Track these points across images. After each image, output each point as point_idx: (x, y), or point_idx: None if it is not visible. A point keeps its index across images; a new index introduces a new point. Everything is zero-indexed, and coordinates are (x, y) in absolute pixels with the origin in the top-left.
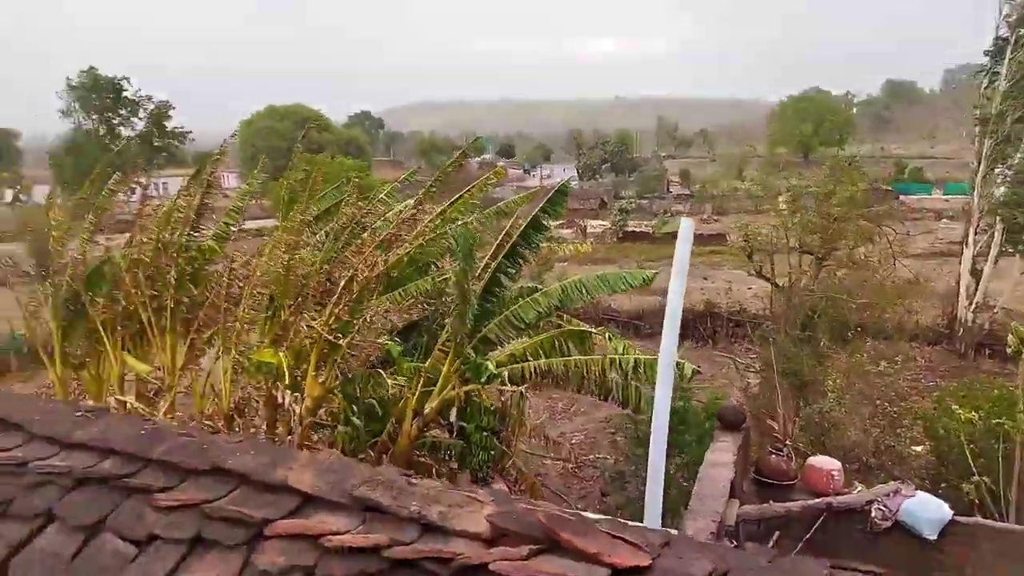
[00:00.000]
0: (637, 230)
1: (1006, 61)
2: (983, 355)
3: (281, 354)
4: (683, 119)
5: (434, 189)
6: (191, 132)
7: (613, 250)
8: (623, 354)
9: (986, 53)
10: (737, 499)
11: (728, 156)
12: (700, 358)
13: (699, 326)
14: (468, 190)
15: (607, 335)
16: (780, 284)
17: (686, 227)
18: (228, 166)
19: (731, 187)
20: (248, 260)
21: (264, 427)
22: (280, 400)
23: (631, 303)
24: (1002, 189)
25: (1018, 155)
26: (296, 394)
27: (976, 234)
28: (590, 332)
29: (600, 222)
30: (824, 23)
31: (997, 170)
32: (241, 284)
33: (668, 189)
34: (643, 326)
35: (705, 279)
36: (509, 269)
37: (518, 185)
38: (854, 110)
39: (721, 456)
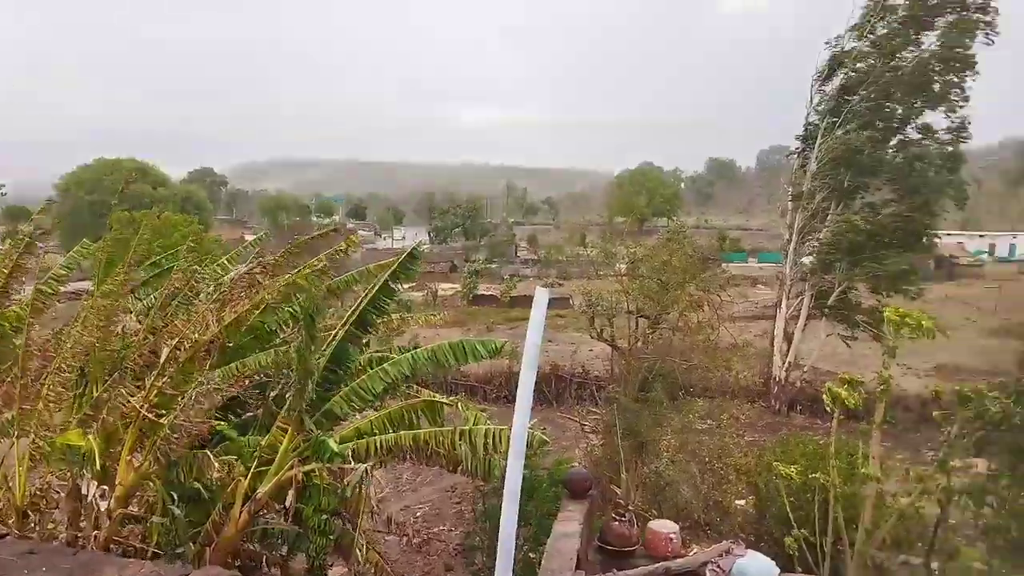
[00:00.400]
0: (487, 293)
1: (816, 145)
2: (796, 411)
3: (90, 436)
4: (533, 186)
5: (278, 255)
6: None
7: (463, 313)
8: (474, 424)
9: (798, 137)
10: (583, 570)
11: (571, 223)
12: (545, 420)
13: (544, 388)
14: (318, 256)
15: (459, 404)
16: (620, 346)
17: (541, 297)
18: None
19: (574, 253)
20: (61, 329)
21: (66, 523)
22: (85, 491)
23: (480, 367)
24: (810, 259)
25: (825, 228)
26: (103, 486)
27: (788, 299)
28: (442, 403)
29: (451, 285)
30: (670, 104)
31: (807, 242)
32: (45, 356)
33: (516, 254)
34: (492, 390)
35: (550, 341)
36: (357, 337)
37: (368, 247)
38: (682, 185)
39: (568, 526)
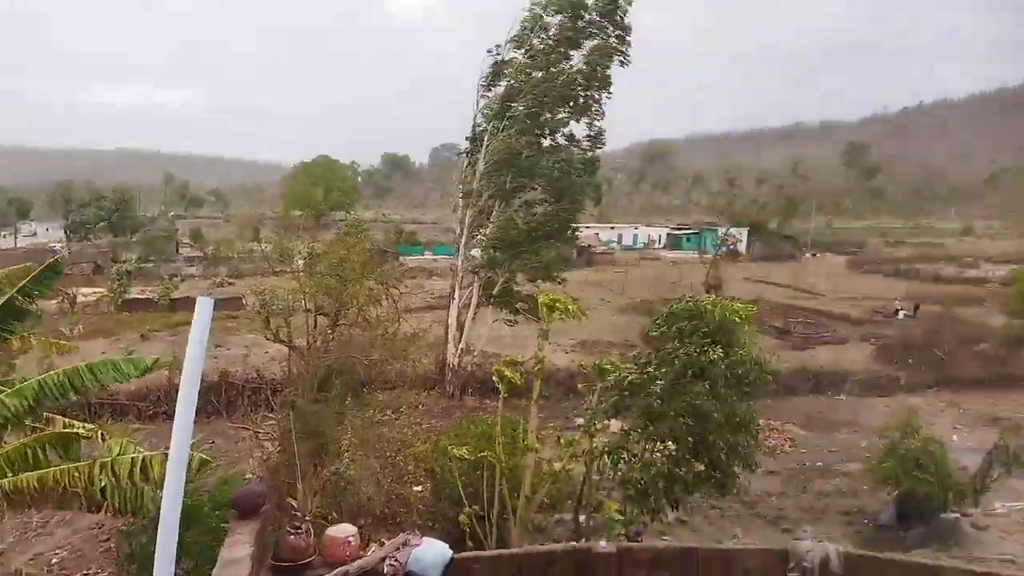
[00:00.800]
0: (141, 297)
1: (483, 147)
2: (468, 394)
3: None
4: (201, 177)
5: None
6: None
7: (110, 321)
8: (119, 453)
9: (467, 138)
10: None
11: (243, 217)
12: (214, 433)
13: (213, 398)
14: None
15: (100, 433)
16: (298, 347)
17: (204, 308)
18: None
19: (247, 249)
20: None
21: None
22: None
23: (133, 382)
24: (479, 252)
25: (491, 224)
26: None
27: (460, 290)
28: (77, 434)
29: (95, 289)
30: (349, 97)
31: (476, 237)
32: None
33: (178, 251)
34: (148, 407)
35: (219, 347)
36: None
37: None
38: (359, 178)
39: (236, 551)
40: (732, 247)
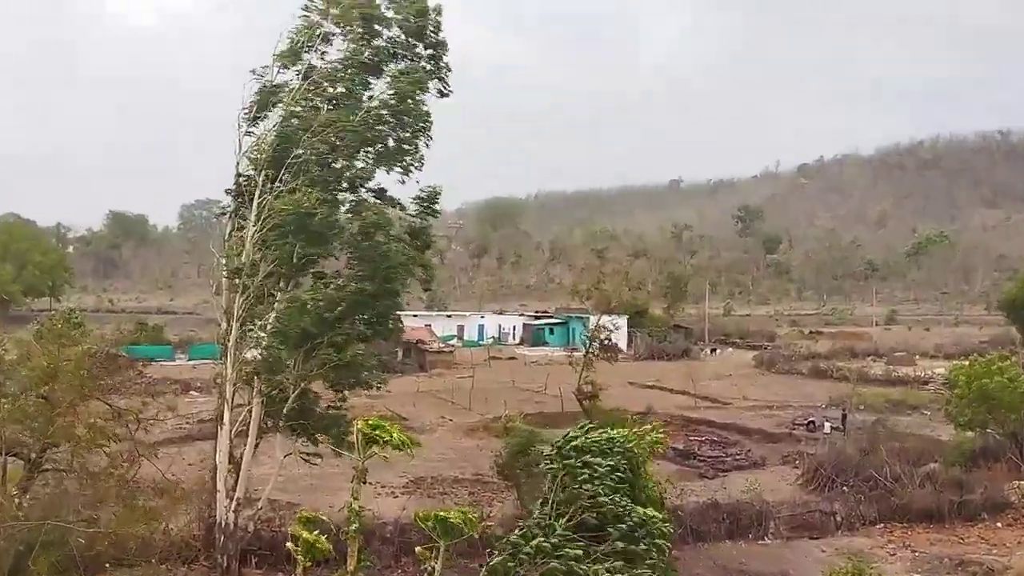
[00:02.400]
0: None
1: (254, 205)
2: (251, 564)
3: None
4: None
5: None
6: None
7: None
8: None
9: (228, 192)
10: None
11: None
12: None
13: None
14: None
15: None
16: None
17: None
18: None
19: None
20: None
21: None
22: None
23: None
24: (256, 353)
25: (272, 314)
26: None
27: (231, 410)
28: None
29: None
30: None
31: (251, 332)
32: None
33: None
34: None
35: None
36: None
37: None
38: (71, 248)
39: None
40: (609, 341)
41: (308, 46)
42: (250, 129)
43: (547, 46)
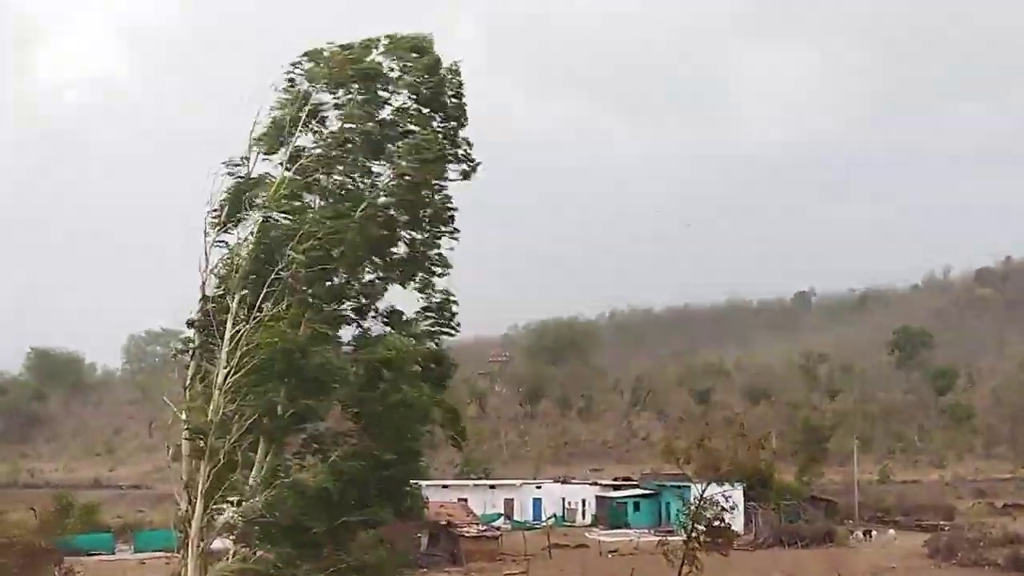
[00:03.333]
0: None
1: (226, 337)
2: None
3: None
4: None
5: None
6: None
7: None
8: None
9: (191, 324)
10: None
11: None
12: None
13: None
14: None
15: None
16: None
17: None
18: None
19: None
20: None
21: None
22: None
23: None
24: (230, 545)
25: (249, 485)
26: None
27: None
28: None
29: None
30: None
31: (223, 515)
32: None
33: None
34: None
35: None
36: None
37: None
38: None
39: None
40: (719, 522)
41: (293, 123)
42: (220, 239)
43: (619, 113)
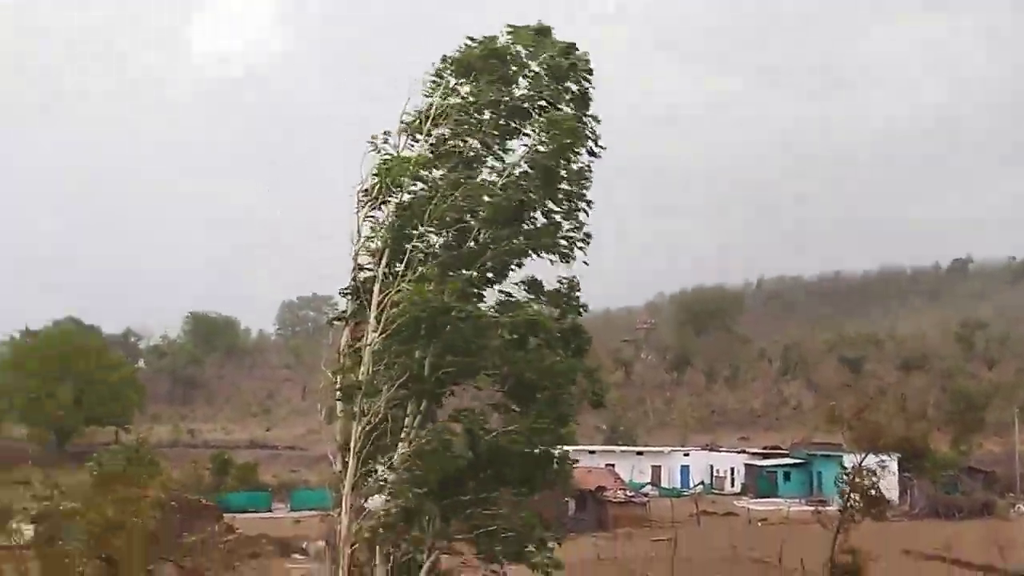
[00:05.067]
0: None
1: (374, 305)
2: None
3: None
4: None
5: None
6: None
7: None
8: None
9: (344, 292)
10: None
11: None
12: None
13: None
14: None
15: None
16: None
17: None
18: None
19: None
20: None
21: None
22: None
23: None
24: (382, 502)
25: (400, 449)
26: None
27: None
28: None
29: None
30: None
31: (374, 473)
32: None
33: None
34: None
35: None
36: None
37: None
38: (141, 362)
39: None
40: (875, 491)
41: (438, 110)
42: (370, 213)
43: (762, 76)
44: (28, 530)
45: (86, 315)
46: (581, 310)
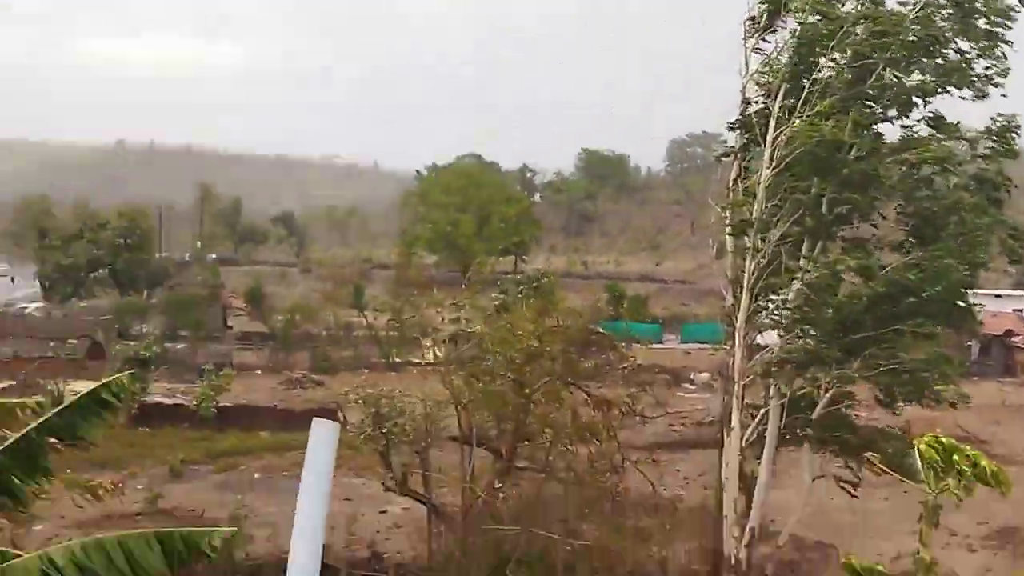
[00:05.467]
0: (168, 402)
1: (769, 140)
2: None
3: None
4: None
5: None
6: None
7: (119, 441)
8: None
9: (731, 126)
10: None
11: (334, 262)
12: None
13: None
14: None
15: None
16: (443, 507)
17: (322, 435)
18: None
19: (341, 321)
20: None
21: None
22: None
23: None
24: (773, 337)
25: (795, 284)
26: None
27: (740, 413)
28: None
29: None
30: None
31: (765, 309)
32: None
33: (227, 322)
34: None
35: None
36: None
37: None
38: (537, 196)
39: None
40: None
41: None
42: (759, 45)
43: None
44: (442, 347)
45: (486, 151)
46: (1011, 155)
